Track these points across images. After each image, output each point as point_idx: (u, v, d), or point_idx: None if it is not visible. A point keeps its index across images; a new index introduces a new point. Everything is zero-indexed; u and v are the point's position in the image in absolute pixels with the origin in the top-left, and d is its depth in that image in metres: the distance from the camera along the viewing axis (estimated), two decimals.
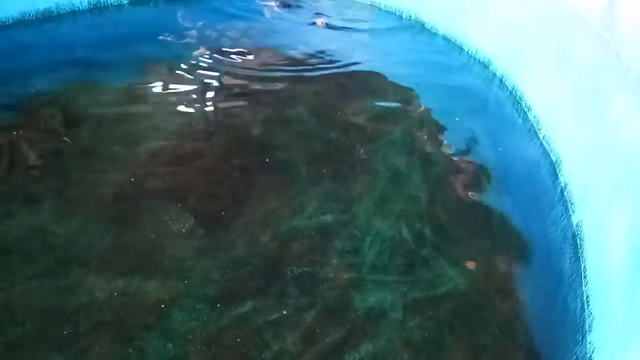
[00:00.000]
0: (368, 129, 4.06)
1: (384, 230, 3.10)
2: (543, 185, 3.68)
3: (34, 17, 5.44)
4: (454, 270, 2.89)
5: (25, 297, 2.55)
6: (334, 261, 2.89)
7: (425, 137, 4.04)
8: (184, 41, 5.33)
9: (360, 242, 3.02)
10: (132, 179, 3.35)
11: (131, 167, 3.45)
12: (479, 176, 3.66)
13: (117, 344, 2.38)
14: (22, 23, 5.35)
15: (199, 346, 2.39)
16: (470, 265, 2.93)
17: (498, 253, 3.05)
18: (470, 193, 3.51)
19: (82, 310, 2.50)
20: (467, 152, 3.92)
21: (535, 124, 4.24)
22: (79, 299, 2.56)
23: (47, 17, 5.51)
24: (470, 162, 3.81)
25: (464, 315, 2.66)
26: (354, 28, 6.05)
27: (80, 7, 5.74)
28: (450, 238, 3.10)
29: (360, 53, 5.42)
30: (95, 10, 5.84)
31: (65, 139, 3.69)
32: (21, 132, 3.68)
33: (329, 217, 3.19)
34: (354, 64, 5.15)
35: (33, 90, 4.18)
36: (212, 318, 2.53)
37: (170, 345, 2.38)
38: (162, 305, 2.56)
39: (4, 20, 5.22)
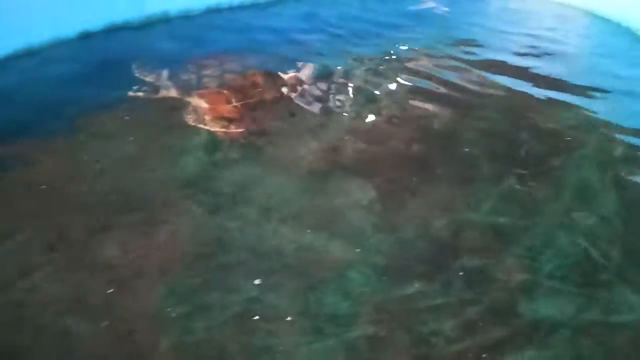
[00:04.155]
0: (558, 137, 3.88)
1: (566, 245, 2.99)
2: None
3: None
4: (638, 300, 2.68)
5: (233, 233, 3.01)
6: (506, 263, 2.88)
7: (623, 155, 3.72)
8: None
9: (538, 251, 2.95)
10: (328, 151, 3.73)
11: (327, 141, 3.84)
12: None
13: (300, 288, 2.71)
14: None
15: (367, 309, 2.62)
16: None
17: None
18: None
19: (274, 252, 2.90)
20: None
21: None
22: (272, 242, 2.96)
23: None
24: None
25: None
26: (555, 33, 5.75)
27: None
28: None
29: (555, 58, 5.15)
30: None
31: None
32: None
33: (506, 219, 3.17)
34: (548, 68, 4.91)
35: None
36: (380, 287, 2.72)
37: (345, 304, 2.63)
38: (340, 265, 2.83)
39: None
